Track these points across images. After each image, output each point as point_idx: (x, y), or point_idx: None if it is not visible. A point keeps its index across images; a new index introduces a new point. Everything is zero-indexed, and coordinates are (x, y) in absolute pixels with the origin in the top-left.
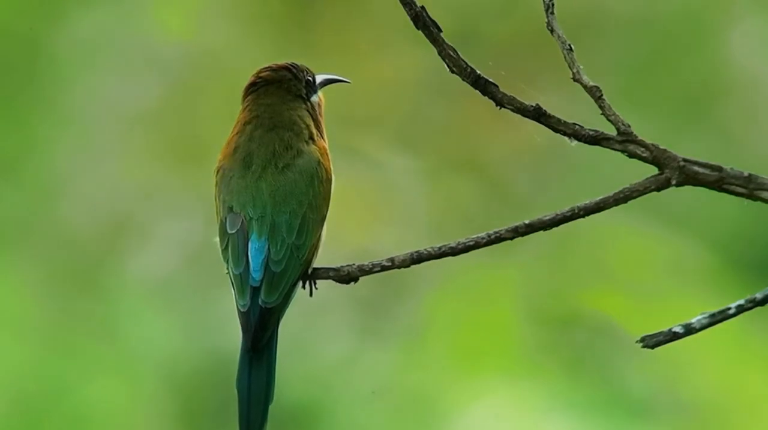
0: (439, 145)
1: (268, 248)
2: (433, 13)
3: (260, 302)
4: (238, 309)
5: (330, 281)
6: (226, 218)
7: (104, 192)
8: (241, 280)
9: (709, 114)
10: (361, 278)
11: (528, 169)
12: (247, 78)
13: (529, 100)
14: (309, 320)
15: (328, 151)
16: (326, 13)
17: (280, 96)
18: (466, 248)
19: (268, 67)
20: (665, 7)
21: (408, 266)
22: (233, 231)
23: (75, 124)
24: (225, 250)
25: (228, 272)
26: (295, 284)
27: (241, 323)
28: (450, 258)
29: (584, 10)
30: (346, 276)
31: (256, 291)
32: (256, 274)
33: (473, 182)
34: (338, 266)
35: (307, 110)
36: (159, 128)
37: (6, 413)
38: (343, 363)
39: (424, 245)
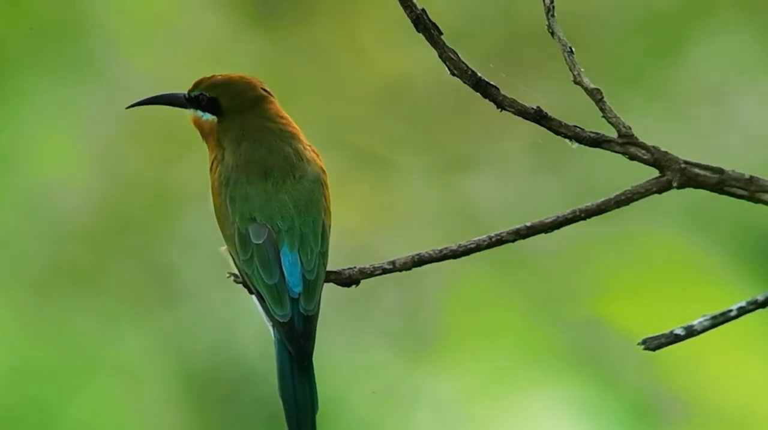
0: (442, 144)
1: (300, 259)
2: (434, 15)
3: (302, 311)
4: (275, 319)
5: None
6: (248, 229)
7: (103, 187)
8: (278, 290)
9: (709, 115)
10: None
11: (530, 171)
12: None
13: (530, 103)
14: None
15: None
16: (329, 12)
17: (277, 112)
18: (467, 251)
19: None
20: (664, 8)
21: (409, 269)
22: (260, 242)
23: (71, 118)
24: (249, 260)
25: (254, 282)
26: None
27: (283, 334)
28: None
29: (584, 10)
30: (347, 279)
31: (294, 302)
32: (296, 287)
33: (476, 182)
34: (339, 268)
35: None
36: (156, 122)
37: (4, 413)
38: (344, 363)
39: (427, 245)
